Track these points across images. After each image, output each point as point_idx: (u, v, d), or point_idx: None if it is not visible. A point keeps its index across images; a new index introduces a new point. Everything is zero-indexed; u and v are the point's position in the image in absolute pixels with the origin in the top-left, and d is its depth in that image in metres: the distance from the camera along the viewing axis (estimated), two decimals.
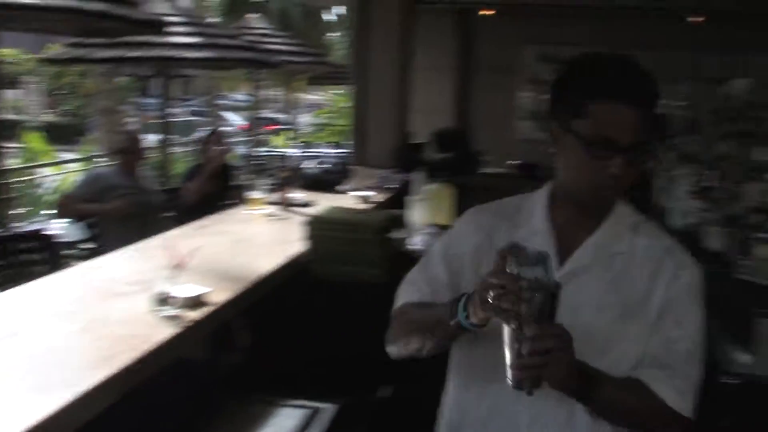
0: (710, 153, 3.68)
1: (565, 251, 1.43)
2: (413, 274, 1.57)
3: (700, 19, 6.55)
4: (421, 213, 3.66)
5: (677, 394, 1.36)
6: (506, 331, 1.21)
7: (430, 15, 6.61)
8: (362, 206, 4.15)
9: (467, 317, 1.28)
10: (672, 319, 1.39)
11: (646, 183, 4.02)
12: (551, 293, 1.18)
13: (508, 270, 1.20)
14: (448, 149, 5.57)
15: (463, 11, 7.28)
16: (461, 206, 4.45)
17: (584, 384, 1.28)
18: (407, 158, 5.20)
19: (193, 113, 17.85)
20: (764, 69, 6.27)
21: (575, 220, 1.44)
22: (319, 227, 2.95)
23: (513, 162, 5.97)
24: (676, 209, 3.69)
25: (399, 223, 3.46)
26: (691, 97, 6.34)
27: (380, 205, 4.28)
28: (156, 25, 4.49)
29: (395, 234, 3.26)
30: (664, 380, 1.36)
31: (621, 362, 1.37)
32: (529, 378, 1.21)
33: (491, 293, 1.20)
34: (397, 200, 4.22)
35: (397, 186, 4.66)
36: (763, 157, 3.06)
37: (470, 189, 5.62)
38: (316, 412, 2.24)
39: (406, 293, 1.55)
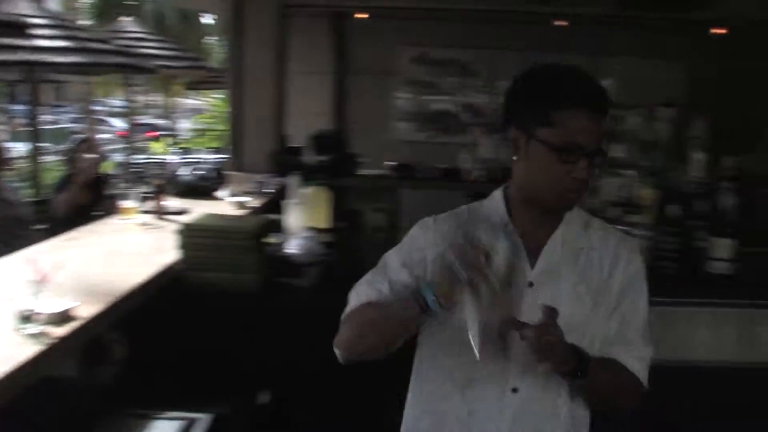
0: None
1: (533, 252, 1.54)
2: (370, 277, 1.62)
3: (565, 23, 6.86)
4: (298, 217, 3.68)
5: (640, 365, 1.56)
6: (469, 305, 1.32)
7: (304, 19, 6.61)
8: (238, 212, 4.13)
9: (435, 299, 1.37)
10: (629, 300, 1.58)
11: None
12: (511, 256, 1.33)
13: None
14: (325, 152, 5.61)
15: (337, 15, 7.33)
16: (339, 208, 4.51)
17: (577, 363, 1.43)
18: (284, 162, 5.20)
19: (73, 120, 17.13)
20: (625, 71, 6.70)
21: (536, 223, 1.56)
22: (191, 235, 2.92)
23: (390, 163, 6.05)
24: None
25: (275, 227, 3.47)
26: None
27: (257, 210, 4.27)
28: (19, 27, 4.30)
29: (271, 239, 3.27)
30: (629, 353, 1.55)
31: (594, 344, 1.53)
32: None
33: (457, 264, 1.33)
34: (274, 205, 4.22)
35: (274, 190, 4.65)
36: (619, 153, 3.24)
37: (348, 191, 5.71)
38: (191, 423, 2.23)
39: (363, 294, 1.59)
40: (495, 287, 1.32)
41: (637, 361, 1.56)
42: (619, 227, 2.75)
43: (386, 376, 1.83)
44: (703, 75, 6.89)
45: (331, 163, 5.54)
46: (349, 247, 4.90)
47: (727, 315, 2.65)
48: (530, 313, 1.45)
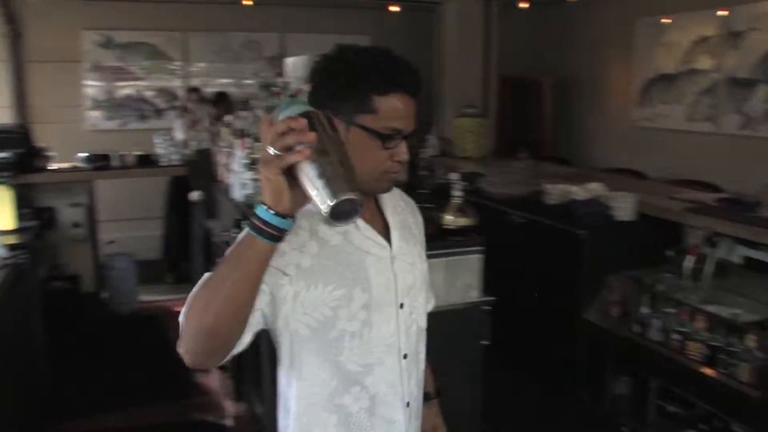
0: (258, 126, 4.00)
1: (376, 227, 1.55)
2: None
3: (251, 2, 7.03)
4: None
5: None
6: (305, 172, 1.15)
7: None
8: None
9: (267, 209, 1.20)
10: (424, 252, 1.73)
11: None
12: (318, 116, 1.20)
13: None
14: (7, 148, 5.22)
15: None
16: (30, 207, 4.26)
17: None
18: None
19: None
20: (312, 46, 7.06)
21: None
22: None
23: (82, 154, 5.78)
24: (235, 183, 3.97)
25: None
26: (246, 75, 6.86)
27: None
28: None
29: None
30: (430, 303, 1.79)
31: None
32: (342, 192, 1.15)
33: (274, 148, 1.16)
34: None
35: None
36: None
37: (38, 188, 5.38)
38: None
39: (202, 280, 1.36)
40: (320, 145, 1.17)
41: (432, 299, 1.83)
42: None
43: None
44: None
45: (15, 159, 5.17)
46: (42, 247, 4.65)
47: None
48: (401, 282, 1.56)
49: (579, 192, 4.25)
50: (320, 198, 1.14)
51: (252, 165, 3.72)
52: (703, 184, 5.13)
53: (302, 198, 1.20)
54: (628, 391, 4.00)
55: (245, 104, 4.70)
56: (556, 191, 4.39)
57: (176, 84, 7.40)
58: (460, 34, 7.08)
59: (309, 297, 1.44)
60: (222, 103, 6.49)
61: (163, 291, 6.14)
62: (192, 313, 1.29)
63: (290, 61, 7.51)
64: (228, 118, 4.76)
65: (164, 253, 6.68)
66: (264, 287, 1.36)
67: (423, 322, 1.67)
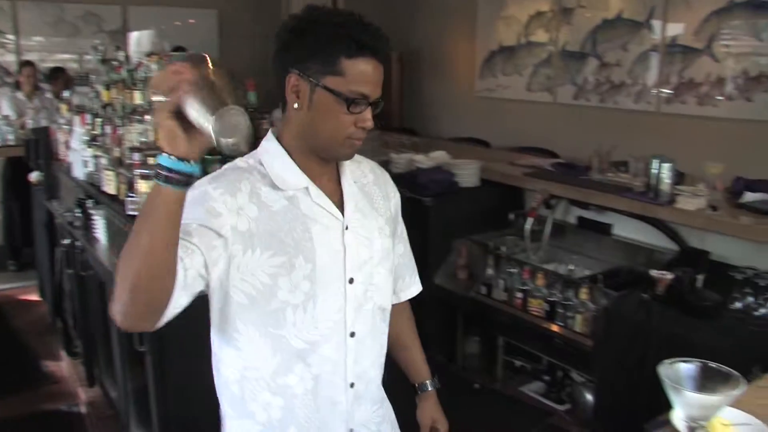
0: (98, 102, 3.86)
1: (331, 197, 1.50)
2: None
3: None
4: None
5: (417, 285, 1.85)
6: (189, 105, 1.12)
7: None
8: None
9: (169, 156, 1.15)
10: (401, 225, 1.75)
11: None
12: (200, 56, 1.17)
13: None
14: None
15: None
16: None
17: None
18: None
19: None
20: (156, 21, 6.87)
21: (319, 169, 1.50)
22: None
23: None
24: (76, 161, 3.81)
25: None
26: (86, 49, 6.57)
27: None
28: None
29: None
30: (413, 277, 1.83)
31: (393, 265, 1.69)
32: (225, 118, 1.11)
33: (159, 94, 1.14)
34: None
35: None
36: (141, 101, 3.34)
37: None
38: None
39: None
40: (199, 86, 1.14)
41: (418, 280, 1.84)
42: (141, 171, 2.88)
43: None
44: (232, 22, 7.37)
45: None
46: None
47: None
48: (352, 255, 1.50)
49: (424, 161, 4.38)
50: (204, 120, 1.11)
51: (92, 142, 3.59)
52: (541, 150, 5.42)
53: (201, 140, 1.15)
54: (479, 350, 4.21)
55: (84, 79, 4.50)
56: (402, 160, 4.50)
57: (9, 59, 6.95)
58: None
59: (245, 261, 1.39)
60: (58, 78, 6.19)
61: (6, 279, 5.81)
62: (118, 270, 1.22)
63: (134, 35, 7.26)
64: (66, 93, 4.56)
65: (5, 239, 6.33)
66: (194, 247, 1.30)
67: (383, 301, 1.61)
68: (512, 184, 4.21)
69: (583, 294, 3.26)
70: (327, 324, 1.48)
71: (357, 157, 1.60)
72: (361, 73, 1.38)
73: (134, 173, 2.90)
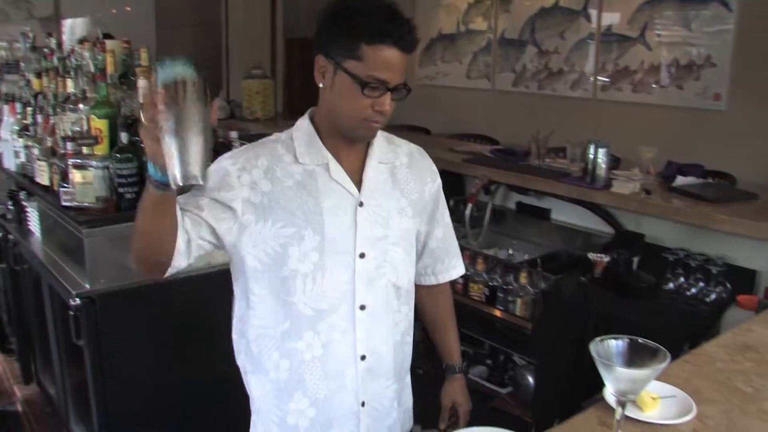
0: (29, 90, 3.75)
1: (352, 174, 1.58)
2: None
3: None
4: None
5: (461, 267, 1.93)
6: (164, 142, 1.20)
7: None
8: None
9: (157, 170, 1.27)
10: (441, 209, 1.79)
11: None
12: (186, 84, 1.18)
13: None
14: None
15: None
16: None
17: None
18: None
19: None
20: (89, 8, 6.70)
21: (346, 146, 1.59)
22: None
23: None
24: (6, 151, 3.70)
25: None
26: (15, 36, 6.39)
27: None
28: None
29: None
30: (457, 260, 1.91)
31: (418, 247, 1.77)
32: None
33: (145, 117, 1.22)
34: None
35: None
36: (73, 89, 3.24)
37: None
38: None
39: None
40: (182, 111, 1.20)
41: (460, 263, 1.91)
42: (74, 161, 2.82)
43: None
44: (170, 9, 7.23)
45: None
46: None
47: None
48: (365, 231, 1.58)
49: None
50: (171, 169, 1.21)
51: (23, 132, 3.49)
52: (481, 137, 5.47)
53: None
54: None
55: (14, 67, 4.36)
56: None
57: None
58: None
59: (257, 230, 1.53)
60: None
61: None
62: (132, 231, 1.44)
63: (68, 23, 7.07)
64: None
65: None
66: (201, 220, 1.48)
67: (399, 280, 1.68)
68: (452, 171, 4.23)
69: (523, 278, 3.30)
70: (335, 294, 1.58)
71: (398, 140, 1.73)
72: (380, 60, 1.44)
73: (68, 163, 2.83)
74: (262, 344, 1.62)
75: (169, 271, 1.49)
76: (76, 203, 2.82)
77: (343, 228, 1.56)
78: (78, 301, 2.62)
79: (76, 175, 2.78)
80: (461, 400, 1.96)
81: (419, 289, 1.86)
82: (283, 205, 1.53)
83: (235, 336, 1.71)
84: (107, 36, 3.56)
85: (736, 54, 4.63)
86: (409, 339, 1.81)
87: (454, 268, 1.91)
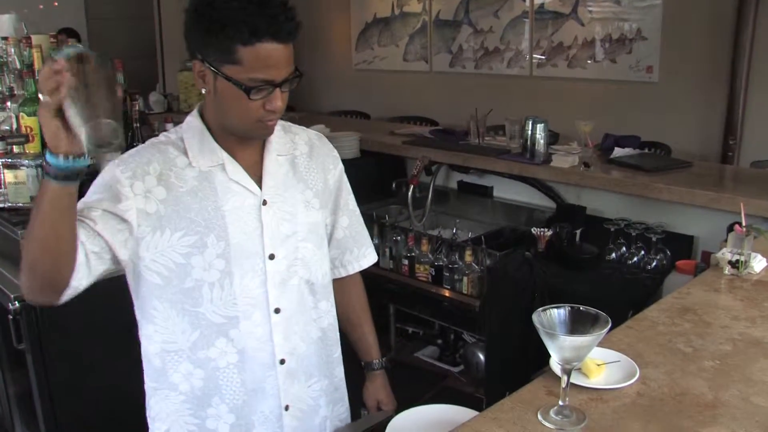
0: None
1: (251, 170, 1.48)
2: None
3: None
4: None
5: (372, 255, 1.84)
6: (67, 110, 1.14)
7: None
8: None
9: (51, 152, 1.18)
10: (344, 196, 1.70)
11: None
12: (83, 55, 1.15)
13: None
14: None
15: None
16: None
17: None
18: None
19: None
20: (19, 3, 6.47)
21: (241, 144, 1.48)
22: None
23: None
24: None
25: None
26: None
27: None
28: None
29: None
30: (366, 249, 1.82)
31: (325, 239, 1.66)
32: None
33: (42, 93, 1.14)
34: None
35: None
36: (0, 86, 3.14)
37: None
38: None
39: None
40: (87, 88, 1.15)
41: (371, 251, 1.82)
42: (4, 161, 2.73)
43: None
44: (100, 3, 7.07)
45: None
46: None
47: None
48: (271, 230, 1.49)
49: None
50: (78, 127, 1.15)
51: None
52: (421, 119, 5.48)
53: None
54: None
55: None
56: None
57: None
58: None
59: (155, 242, 1.42)
60: None
61: None
62: (21, 249, 1.30)
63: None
64: None
65: None
66: (96, 233, 1.35)
67: (311, 276, 1.59)
68: (393, 153, 4.24)
69: (468, 256, 3.33)
70: (247, 300, 1.48)
71: (295, 128, 1.64)
72: (260, 60, 1.31)
73: None
74: (167, 358, 1.51)
75: (67, 293, 1.35)
76: (9, 204, 2.75)
77: (248, 230, 1.46)
78: (17, 304, 2.55)
79: (7, 175, 2.71)
80: (385, 399, 1.84)
81: None
82: (181, 212, 1.42)
83: (144, 359, 1.59)
84: (69, 32, 3.44)
85: (666, 27, 4.73)
86: (334, 333, 1.71)
87: (365, 257, 1.80)
